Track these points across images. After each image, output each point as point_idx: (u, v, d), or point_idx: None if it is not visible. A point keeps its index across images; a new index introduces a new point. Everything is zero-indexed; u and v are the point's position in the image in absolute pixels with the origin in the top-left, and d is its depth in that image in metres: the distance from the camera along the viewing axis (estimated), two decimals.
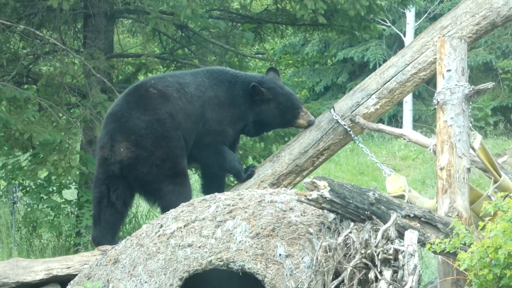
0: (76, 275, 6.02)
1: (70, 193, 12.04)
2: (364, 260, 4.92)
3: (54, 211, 10.99)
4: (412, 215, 5.27)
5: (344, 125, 7.25)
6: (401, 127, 18.83)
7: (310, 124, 7.34)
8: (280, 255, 5.19)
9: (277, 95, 7.24)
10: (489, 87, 5.78)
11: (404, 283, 4.75)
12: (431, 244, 5.05)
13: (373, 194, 5.17)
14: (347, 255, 5.01)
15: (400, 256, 4.87)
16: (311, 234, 5.26)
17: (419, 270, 4.81)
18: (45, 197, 10.87)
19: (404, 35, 20.83)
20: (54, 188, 10.85)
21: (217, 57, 11.62)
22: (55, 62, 10.72)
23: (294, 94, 7.43)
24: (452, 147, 5.65)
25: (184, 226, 5.46)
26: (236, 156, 7.24)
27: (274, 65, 13.92)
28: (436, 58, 5.96)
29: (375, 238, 4.96)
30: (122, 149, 6.62)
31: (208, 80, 7.12)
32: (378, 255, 4.90)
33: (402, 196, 6.31)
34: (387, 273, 4.83)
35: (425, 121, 20.77)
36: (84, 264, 6.28)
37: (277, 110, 7.24)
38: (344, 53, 21.61)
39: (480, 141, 5.98)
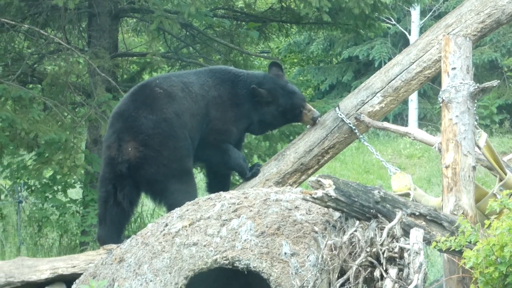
0: (81, 274, 6.02)
1: (75, 192, 12.07)
2: (369, 259, 4.91)
3: (59, 210, 11.00)
4: (417, 213, 5.26)
5: (349, 123, 7.23)
6: (406, 126, 18.80)
7: (314, 120, 7.32)
8: (285, 253, 5.18)
9: (277, 96, 7.21)
10: (494, 85, 5.77)
11: (409, 281, 4.74)
12: (436, 242, 5.04)
13: (379, 192, 5.16)
14: (353, 254, 5.00)
15: (405, 254, 4.86)
16: (316, 232, 5.25)
17: (425, 268, 4.80)
18: (50, 196, 10.88)
19: (409, 33, 20.81)
20: (59, 187, 10.86)
21: (222, 56, 11.63)
22: (60, 61, 10.74)
23: (296, 93, 7.34)
24: (458, 145, 5.64)
25: (189, 225, 5.45)
26: (241, 154, 7.23)
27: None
28: (441, 56, 5.94)
29: (381, 236, 4.95)
30: (129, 149, 6.60)
31: (212, 80, 7.11)
32: (383, 253, 4.89)
33: (407, 195, 6.31)
34: (393, 271, 4.82)
35: (430, 119, 20.75)
36: (90, 263, 6.27)
37: (277, 112, 7.23)
38: (349, 52, 21.60)
39: (485, 139, 5.96)
